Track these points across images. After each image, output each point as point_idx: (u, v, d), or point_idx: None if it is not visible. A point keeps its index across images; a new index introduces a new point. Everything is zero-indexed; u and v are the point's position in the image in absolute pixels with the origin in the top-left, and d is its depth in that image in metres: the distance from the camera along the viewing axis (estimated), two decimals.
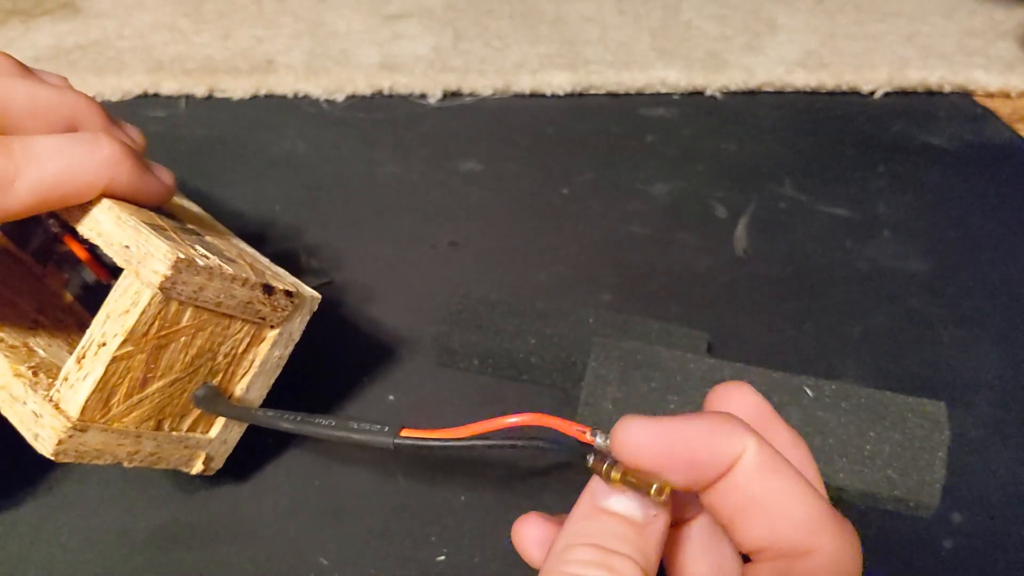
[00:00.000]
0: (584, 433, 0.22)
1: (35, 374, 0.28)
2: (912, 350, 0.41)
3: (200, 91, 0.61)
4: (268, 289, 0.29)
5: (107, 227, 0.26)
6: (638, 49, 0.68)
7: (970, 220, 0.50)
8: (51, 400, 0.26)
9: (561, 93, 0.63)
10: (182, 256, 0.25)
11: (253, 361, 0.30)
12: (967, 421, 0.37)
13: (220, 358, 0.29)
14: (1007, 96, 0.64)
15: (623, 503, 0.22)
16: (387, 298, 0.44)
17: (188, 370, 0.28)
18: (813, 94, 0.64)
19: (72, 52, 0.65)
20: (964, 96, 0.64)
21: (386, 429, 0.25)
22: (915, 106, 0.62)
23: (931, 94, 0.64)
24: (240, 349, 0.30)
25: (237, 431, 0.32)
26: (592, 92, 0.63)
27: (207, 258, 0.27)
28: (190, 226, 0.31)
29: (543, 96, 0.63)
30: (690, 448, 0.21)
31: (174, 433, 0.29)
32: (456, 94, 0.62)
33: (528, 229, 0.49)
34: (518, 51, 0.67)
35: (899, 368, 0.40)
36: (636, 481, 0.21)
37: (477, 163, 0.55)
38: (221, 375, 0.30)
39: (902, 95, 0.64)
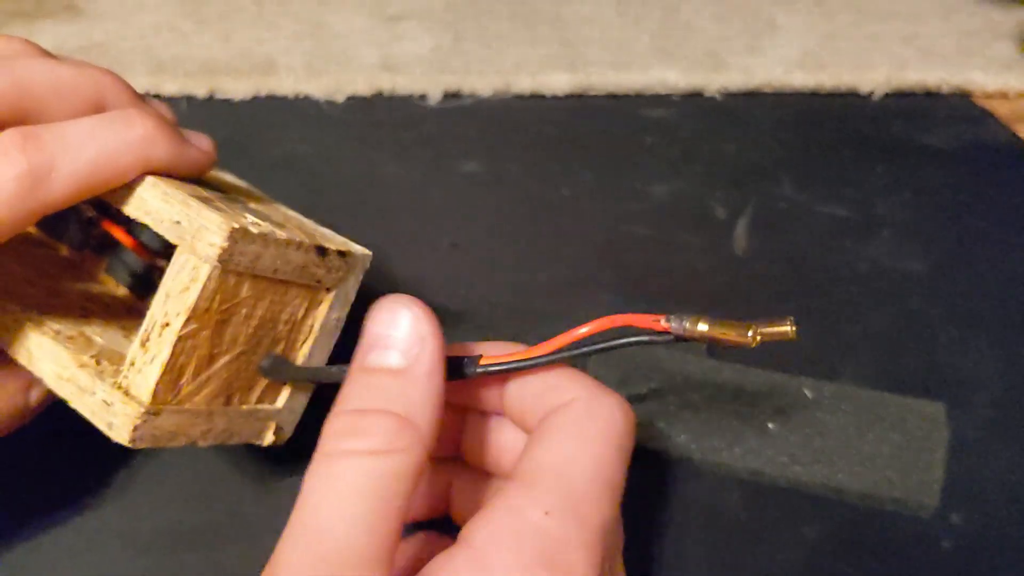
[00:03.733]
0: (658, 321, 0.23)
1: (98, 362, 0.27)
2: (911, 350, 0.41)
3: (201, 92, 0.61)
4: (321, 251, 0.28)
5: (154, 205, 0.26)
6: (638, 50, 0.68)
7: (969, 220, 0.50)
8: (120, 387, 0.26)
9: (561, 94, 0.63)
10: (236, 226, 0.24)
11: (312, 326, 0.30)
12: (966, 422, 0.37)
13: (281, 326, 0.29)
14: (1005, 97, 0.64)
15: (377, 355, 0.22)
16: None
17: (252, 342, 0.28)
18: (812, 94, 0.64)
19: (74, 54, 0.65)
20: (962, 97, 0.64)
21: (466, 361, 0.25)
22: (914, 107, 0.62)
23: (930, 95, 0.64)
24: (299, 315, 0.29)
25: (303, 398, 0.31)
26: (592, 93, 0.63)
27: (259, 225, 0.26)
28: (233, 195, 0.30)
29: (543, 97, 0.63)
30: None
31: (244, 407, 0.29)
32: (456, 95, 0.62)
33: (528, 229, 0.49)
34: (518, 52, 0.67)
35: (898, 368, 0.40)
36: (727, 329, 0.22)
37: (477, 164, 0.55)
38: (283, 343, 0.29)
39: (901, 96, 0.64)
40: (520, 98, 0.62)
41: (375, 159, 0.55)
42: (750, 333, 0.21)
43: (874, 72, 0.64)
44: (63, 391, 0.27)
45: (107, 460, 0.34)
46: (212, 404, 0.28)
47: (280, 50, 0.67)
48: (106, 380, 0.26)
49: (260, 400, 0.30)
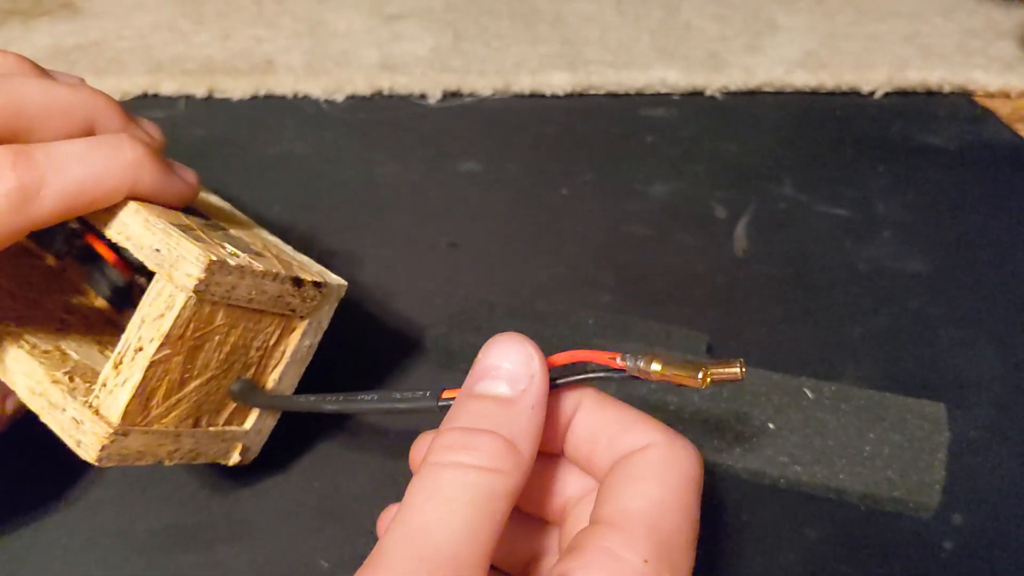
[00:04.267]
0: (614, 359, 0.23)
1: (71, 379, 0.28)
2: (912, 351, 0.41)
3: (200, 91, 0.61)
4: (297, 282, 0.29)
5: (135, 230, 0.26)
6: (638, 49, 0.68)
7: (970, 220, 0.50)
8: (91, 406, 0.26)
9: (561, 93, 0.63)
10: (214, 258, 0.25)
11: (284, 352, 0.31)
12: (967, 422, 0.37)
13: (253, 352, 0.29)
14: (1007, 96, 0.64)
15: (488, 384, 0.23)
16: (386, 299, 0.44)
17: (223, 367, 0.29)
18: (813, 94, 0.64)
19: (72, 52, 0.65)
20: (964, 96, 0.64)
21: (428, 394, 0.25)
22: (915, 106, 0.62)
23: (931, 94, 0.64)
24: (272, 342, 0.30)
25: (271, 420, 0.32)
26: (592, 92, 0.63)
27: (237, 256, 0.27)
28: (214, 221, 0.31)
29: (543, 96, 0.63)
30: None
31: (212, 428, 0.30)
32: (456, 94, 0.62)
33: (528, 229, 0.49)
34: (518, 51, 0.67)
35: (899, 369, 0.40)
36: (679, 371, 0.22)
37: (477, 163, 0.55)
38: (254, 368, 0.30)
39: (902, 95, 0.64)
40: (520, 98, 0.62)
41: (374, 158, 0.55)
42: (700, 375, 0.21)
43: (875, 72, 0.64)
44: (35, 405, 0.27)
45: None
46: (181, 425, 0.28)
47: (279, 49, 0.67)
48: (78, 398, 0.27)
49: (228, 422, 0.30)
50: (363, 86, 0.62)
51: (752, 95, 0.63)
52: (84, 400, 0.26)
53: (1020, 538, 0.32)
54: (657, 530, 0.22)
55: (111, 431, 0.26)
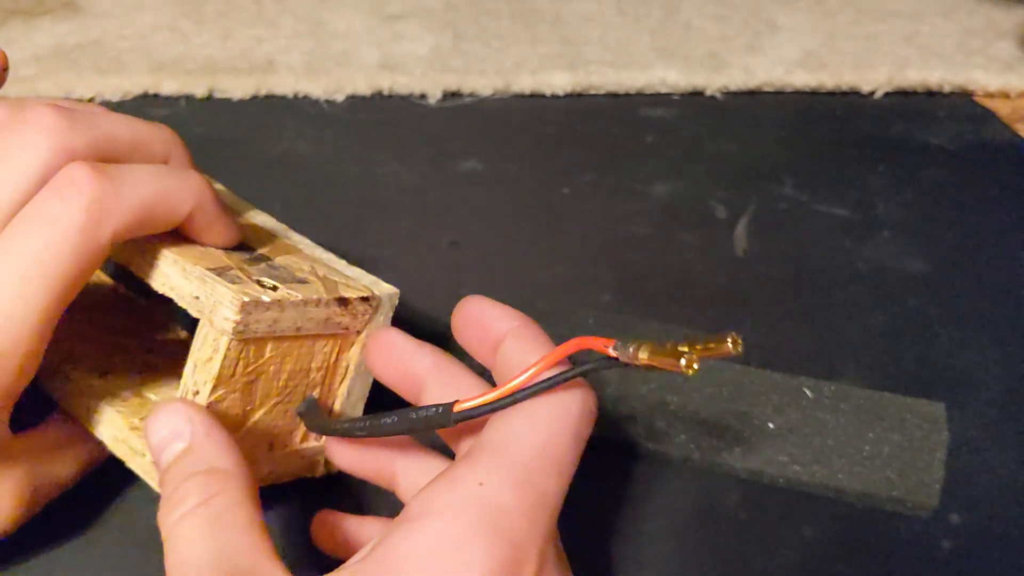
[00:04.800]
0: (608, 347, 0.23)
1: None
2: (911, 350, 0.41)
3: (200, 91, 0.61)
4: (343, 302, 0.29)
5: (176, 280, 0.27)
6: (638, 49, 0.68)
7: (970, 220, 0.50)
8: None
9: (561, 93, 0.63)
10: (247, 299, 0.26)
11: (348, 367, 0.31)
12: (966, 422, 0.37)
13: (314, 373, 0.30)
14: (1007, 96, 0.64)
15: (167, 454, 0.25)
16: None
17: (285, 393, 0.29)
18: (813, 94, 0.64)
19: (73, 52, 0.65)
20: (964, 96, 0.64)
21: (439, 411, 0.25)
22: (915, 106, 0.62)
23: (931, 94, 0.64)
24: (332, 360, 0.30)
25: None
26: (592, 92, 0.63)
27: (274, 290, 0.27)
28: (257, 250, 0.31)
29: (543, 96, 0.63)
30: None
31: (288, 449, 0.30)
32: (456, 94, 0.62)
33: (528, 229, 0.49)
34: (518, 51, 0.67)
35: (898, 368, 0.40)
36: (664, 357, 0.22)
37: (477, 163, 0.55)
38: (319, 387, 0.30)
39: (902, 95, 0.64)
40: (520, 97, 0.62)
41: (375, 158, 0.55)
42: (683, 361, 0.21)
43: (875, 71, 0.64)
44: (119, 451, 0.29)
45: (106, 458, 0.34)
46: (254, 453, 0.29)
47: (280, 49, 0.67)
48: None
49: (304, 439, 0.31)
50: (363, 86, 0.62)
51: (752, 95, 0.63)
52: None
53: (1019, 538, 0.32)
54: (505, 454, 0.23)
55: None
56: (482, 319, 0.28)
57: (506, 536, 0.21)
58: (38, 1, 0.74)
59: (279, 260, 0.31)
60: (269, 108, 0.60)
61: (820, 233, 0.49)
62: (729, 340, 0.22)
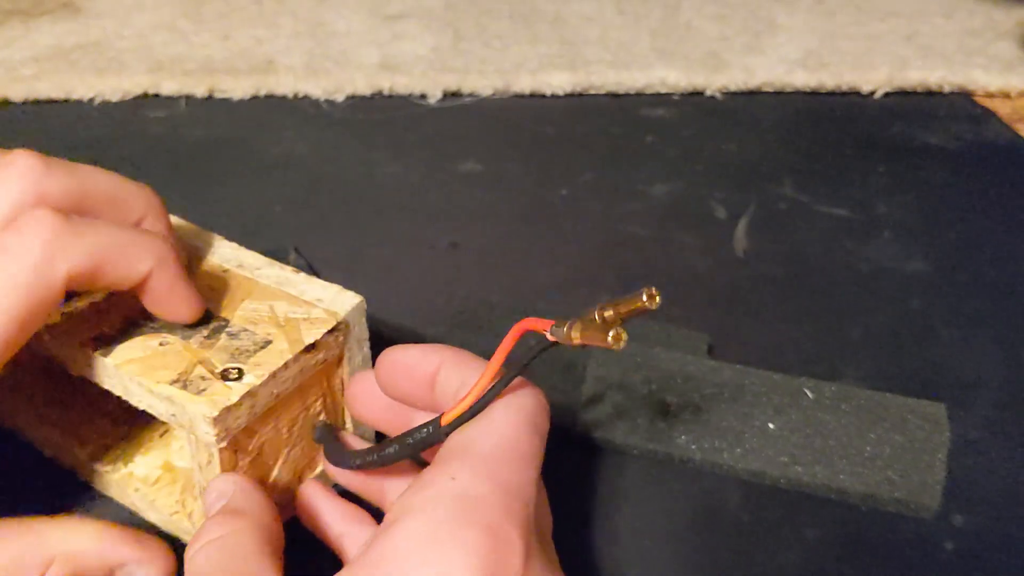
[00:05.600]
0: (547, 329, 0.25)
1: (184, 505, 0.31)
2: (912, 350, 0.41)
3: (200, 91, 0.61)
4: (311, 348, 0.29)
5: (148, 400, 0.28)
6: (638, 49, 0.68)
7: (970, 220, 0.50)
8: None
9: (561, 93, 0.63)
10: (217, 413, 0.26)
11: (342, 378, 0.31)
12: (967, 422, 0.37)
13: (314, 406, 0.30)
14: (1007, 96, 0.64)
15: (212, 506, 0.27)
16: (386, 299, 0.43)
17: (295, 436, 0.30)
18: (813, 94, 0.64)
19: (72, 52, 0.65)
20: (964, 96, 0.64)
21: (430, 429, 0.26)
22: (915, 106, 0.62)
23: (931, 94, 0.64)
24: (325, 385, 0.31)
25: (370, 432, 0.33)
26: (592, 92, 0.63)
27: (240, 377, 0.27)
28: (213, 315, 0.30)
29: (543, 96, 0.63)
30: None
31: (316, 468, 0.32)
32: (456, 94, 0.62)
33: (528, 230, 0.49)
34: (518, 51, 0.67)
35: (899, 369, 0.40)
36: (594, 334, 0.23)
37: (477, 163, 0.55)
38: (323, 411, 0.31)
39: (902, 95, 0.64)
40: (520, 97, 0.62)
41: (374, 158, 0.55)
42: (610, 338, 0.22)
43: (875, 71, 0.64)
44: (169, 529, 0.31)
45: None
46: (290, 487, 0.31)
47: (280, 49, 0.67)
48: (193, 521, 0.30)
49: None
50: (363, 86, 0.62)
51: (752, 95, 0.63)
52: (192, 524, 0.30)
53: (1021, 538, 0.32)
54: (472, 451, 0.24)
55: None
56: (408, 364, 0.28)
57: (482, 523, 0.22)
58: (38, 1, 0.74)
59: (237, 320, 0.30)
60: (269, 108, 0.60)
61: (820, 233, 0.49)
62: (644, 295, 0.23)
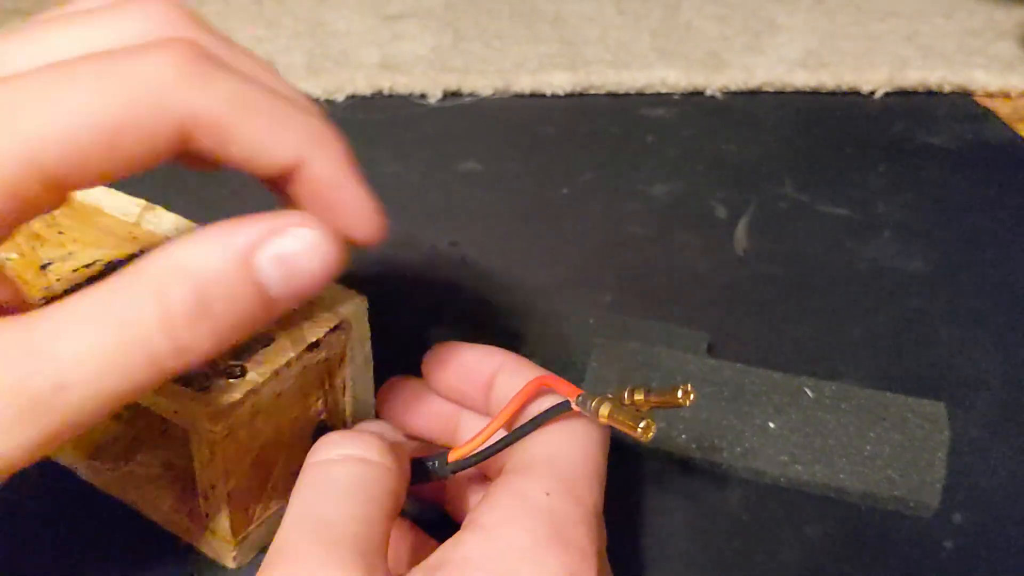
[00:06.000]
0: (572, 398, 0.25)
1: (184, 503, 0.31)
2: (912, 350, 0.41)
3: None
4: (313, 346, 0.29)
5: (152, 397, 0.26)
6: (638, 49, 0.68)
7: (970, 220, 0.50)
8: (212, 531, 0.29)
9: (561, 93, 0.63)
10: (219, 410, 0.26)
11: (344, 380, 0.31)
12: (967, 421, 0.37)
13: (315, 405, 0.30)
14: (1007, 96, 0.64)
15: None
16: (386, 299, 0.43)
17: (296, 437, 0.30)
18: (813, 94, 0.64)
19: None
20: (964, 96, 0.64)
21: (435, 464, 0.26)
22: (915, 106, 0.62)
23: (931, 94, 0.64)
24: (327, 385, 0.30)
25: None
26: (592, 92, 0.63)
27: (243, 374, 0.27)
28: None
29: (543, 96, 0.63)
30: None
31: None
32: (456, 94, 0.62)
33: (528, 229, 0.49)
34: (518, 51, 0.67)
35: (899, 368, 0.40)
36: (623, 419, 0.23)
37: (477, 163, 0.55)
38: (326, 411, 0.31)
39: (902, 95, 0.64)
40: (520, 97, 0.62)
41: (375, 158, 0.55)
42: (640, 429, 0.23)
43: (875, 71, 0.64)
44: (169, 528, 0.31)
45: None
46: (287, 497, 0.30)
47: (280, 49, 0.67)
48: (193, 521, 0.30)
49: None
50: (363, 86, 0.62)
51: (752, 95, 0.63)
52: (205, 526, 0.30)
53: (1020, 537, 0.32)
54: (557, 468, 0.24)
55: (233, 545, 0.29)
56: (465, 364, 0.28)
57: (572, 545, 0.22)
58: (38, 1, 0.74)
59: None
60: None
61: (820, 233, 0.49)
62: (680, 391, 0.23)
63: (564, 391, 0.25)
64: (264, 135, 0.21)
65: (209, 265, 0.19)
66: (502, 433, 0.26)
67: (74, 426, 0.18)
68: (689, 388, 0.23)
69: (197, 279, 0.19)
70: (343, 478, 0.23)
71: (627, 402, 0.24)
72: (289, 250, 0.20)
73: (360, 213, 0.23)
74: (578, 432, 0.25)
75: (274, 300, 0.20)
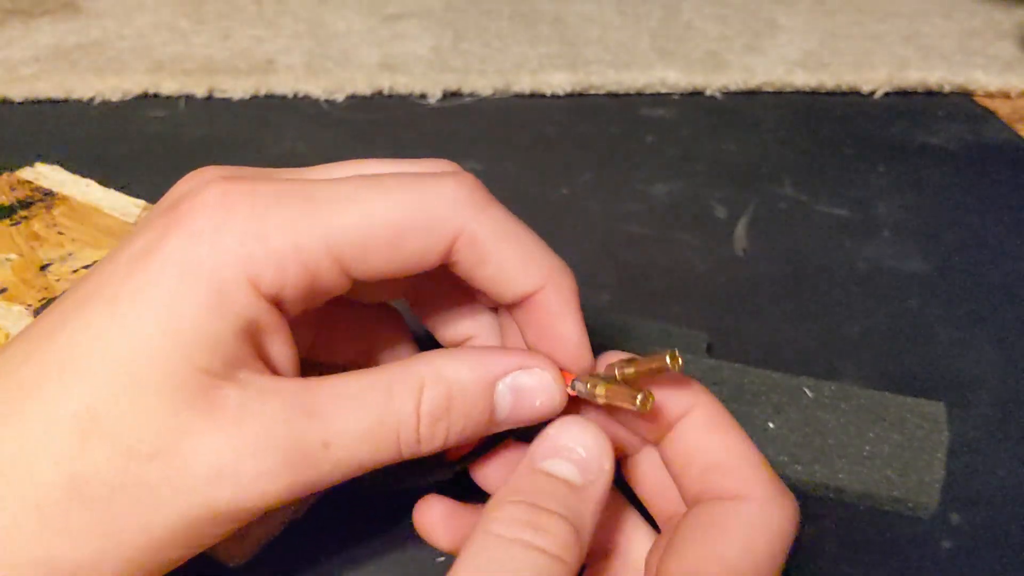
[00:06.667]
0: (568, 384, 0.24)
1: None
2: (912, 350, 0.41)
3: (200, 91, 0.61)
4: None
5: None
6: (638, 49, 0.68)
7: (970, 220, 0.50)
8: None
9: (561, 93, 0.63)
10: None
11: None
12: (966, 421, 0.37)
13: None
14: (1007, 96, 0.64)
15: (560, 465, 0.23)
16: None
17: None
18: (813, 94, 0.64)
19: (72, 52, 0.65)
20: (964, 96, 0.64)
21: (438, 461, 0.26)
22: (915, 106, 0.62)
23: (931, 94, 0.64)
24: None
25: None
26: (592, 92, 0.63)
27: None
28: None
29: (543, 96, 0.63)
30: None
31: None
32: (456, 94, 0.62)
33: None
34: (518, 51, 0.67)
35: (899, 368, 0.40)
36: (620, 395, 0.22)
37: (477, 163, 0.55)
38: None
39: (902, 95, 0.64)
40: (520, 97, 0.62)
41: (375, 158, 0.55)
42: (640, 398, 0.21)
43: (875, 71, 0.64)
44: None
45: None
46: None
47: (280, 49, 0.67)
48: None
49: None
50: (363, 86, 0.62)
51: (752, 95, 0.63)
52: None
53: (1019, 537, 0.32)
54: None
55: (233, 547, 0.29)
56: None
57: None
58: (38, 1, 0.74)
59: None
60: (269, 108, 0.60)
61: (820, 233, 0.49)
62: (668, 357, 0.22)
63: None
64: (516, 262, 0.23)
65: (462, 378, 0.22)
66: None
67: (320, 484, 0.21)
68: (676, 353, 0.22)
69: (450, 387, 0.22)
70: (523, 568, 0.20)
71: (619, 378, 0.23)
72: (525, 385, 0.23)
73: (573, 346, 0.24)
74: (773, 552, 0.22)
75: (498, 421, 0.23)
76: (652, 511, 0.26)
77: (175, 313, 0.20)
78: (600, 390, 0.23)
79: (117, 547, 0.20)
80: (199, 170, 0.23)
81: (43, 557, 0.19)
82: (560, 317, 0.24)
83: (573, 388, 0.24)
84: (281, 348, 0.22)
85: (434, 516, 0.26)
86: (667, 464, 0.24)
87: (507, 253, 0.23)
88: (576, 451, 0.23)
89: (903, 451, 0.34)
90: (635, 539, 0.25)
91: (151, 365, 0.20)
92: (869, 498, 0.33)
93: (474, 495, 0.26)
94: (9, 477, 0.19)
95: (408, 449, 0.22)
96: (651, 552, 0.24)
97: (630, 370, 0.23)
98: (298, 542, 0.32)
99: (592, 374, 0.24)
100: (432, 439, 0.22)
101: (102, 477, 0.20)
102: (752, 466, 0.23)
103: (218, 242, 0.21)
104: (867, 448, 0.34)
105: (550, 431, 0.23)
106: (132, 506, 0.20)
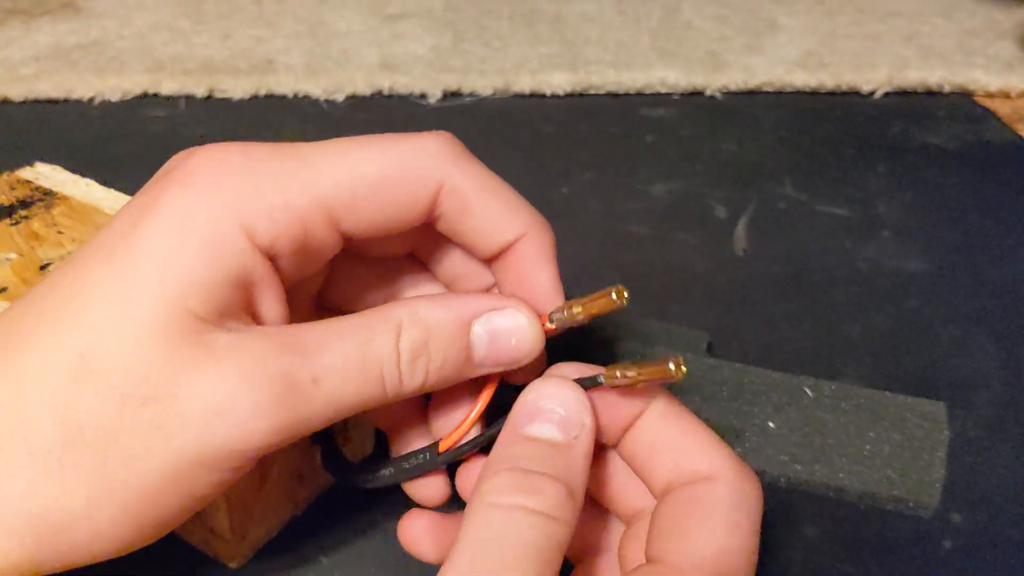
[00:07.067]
0: (545, 322, 0.25)
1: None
2: (912, 350, 0.41)
3: (200, 91, 0.61)
4: None
5: None
6: (638, 49, 0.68)
7: (970, 220, 0.50)
8: (212, 531, 0.29)
9: (561, 93, 0.63)
10: None
11: None
12: (967, 421, 0.37)
13: None
14: (1007, 96, 0.64)
15: (541, 427, 0.23)
16: None
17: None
18: (813, 94, 0.64)
19: (72, 52, 0.65)
20: (964, 96, 0.64)
21: (427, 456, 0.26)
22: (915, 106, 0.62)
23: (931, 94, 0.64)
24: None
25: (369, 439, 0.33)
26: (592, 92, 0.63)
27: None
28: None
29: (543, 96, 0.63)
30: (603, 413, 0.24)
31: (317, 464, 0.31)
32: (456, 94, 0.62)
33: None
34: (518, 51, 0.67)
35: (899, 368, 0.40)
36: (597, 303, 0.23)
37: None
38: None
39: (902, 95, 0.64)
40: (520, 97, 0.62)
41: None
42: (614, 293, 0.23)
43: (875, 71, 0.64)
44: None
45: None
46: (289, 490, 0.30)
47: (280, 49, 0.67)
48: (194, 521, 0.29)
49: None
50: (363, 86, 0.62)
51: (752, 95, 0.63)
52: (204, 524, 0.29)
53: (1019, 537, 0.32)
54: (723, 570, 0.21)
55: (233, 547, 0.29)
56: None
57: None
58: (38, 1, 0.74)
59: None
60: (269, 108, 0.60)
61: (820, 233, 0.49)
62: (671, 364, 0.22)
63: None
64: (497, 212, 0.24)
65: (438, 318, 0.23)
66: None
67: (311, 422, 0.21)
68: (681, 360, 0.22)
69: (427, 326, 0.23)
70: (520, 531, 0.21)
71: (619, 379, 0.23)
72: (500, 325, 0.24)
73: (547, 291, 0.26)
74: (744, 530, 0.22)
75: (477, 362, 0.24)
76: (615, 510, 0.26)
77: (170, 262, 0.20)
78: (577, 308, 0.23)
79: (110, 495, 0.20)
80: (189, 149, 0.23)
81: (35, 509, 0.19)
82: (537, 264, 0.25)
83: (552, 321, 0.24)
84: (272, 304, 0.23)
85: (418, 529, 0.26)
86: (629, 461, 0.25)
87: (488, 203, 0.24)
88: (555, 411, 0.23)
89: (903, 451, 0.34)
90: (618, 536, 0.26)
91: (144, 311, 0.20)
92: (869, 497, 0.33)
93: (458, 508, 0.26)
94: (1, 425, 0.20)
95: (392, 387, 0.22)
96: (623, 544, 0.25)
97: (631, 372, 0.23)
98: (298, 542, 0.32)
99: (559, 306, 0.24)
100: (413, 375, 0.23)
101: (96, 423, 0.20)
102: (717, 446, 0.23)
103: (213, 195, 0.21)
104: (867, 448, 0.34)
105: (527, 396, 0.23)
106: (125, 451, 0.20)
